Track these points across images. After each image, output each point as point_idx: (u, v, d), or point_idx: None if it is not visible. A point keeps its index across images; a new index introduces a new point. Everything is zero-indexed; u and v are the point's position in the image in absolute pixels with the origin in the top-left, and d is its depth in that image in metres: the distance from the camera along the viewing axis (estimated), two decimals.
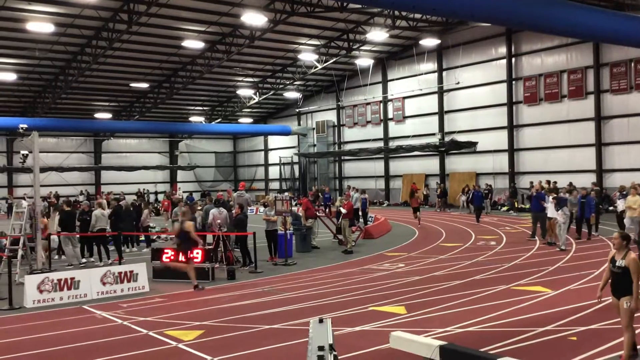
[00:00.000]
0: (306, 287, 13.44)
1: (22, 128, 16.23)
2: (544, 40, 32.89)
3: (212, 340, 9.21)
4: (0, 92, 39.74)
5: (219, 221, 16.56)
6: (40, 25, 28.27)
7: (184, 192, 44.55)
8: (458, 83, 37.56)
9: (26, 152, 16.23)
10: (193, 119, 51.62)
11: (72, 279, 12.80)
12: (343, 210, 19.93)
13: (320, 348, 4.61)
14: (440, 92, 39.14)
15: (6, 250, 15.02)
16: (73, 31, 30.83)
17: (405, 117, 42.04)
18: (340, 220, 20.53)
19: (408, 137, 40.61)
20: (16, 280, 13.16)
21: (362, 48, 37.96)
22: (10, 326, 10.68)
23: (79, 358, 8.50)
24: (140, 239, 21.72)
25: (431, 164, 40.25)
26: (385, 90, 43.11)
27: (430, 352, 5.08)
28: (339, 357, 5.15)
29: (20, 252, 15.22)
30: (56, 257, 18.56)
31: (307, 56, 38.19)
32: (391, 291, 12.55)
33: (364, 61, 40.31)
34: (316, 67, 39.35)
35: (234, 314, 10.94)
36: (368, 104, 44.52)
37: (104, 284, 13.12)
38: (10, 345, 9.38)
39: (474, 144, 36.65)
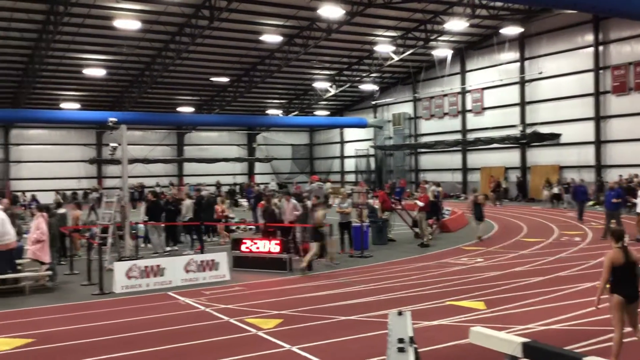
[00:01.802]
0: (382, 280, 13.44)
1: (111, 122, 16.99)
2: (634, 27, 31.13)
3: (290, 329, 9.39)
4: (90, 88, 41.86)
5: (296, 212, 16.83)
6: (127, 23, 29.56)
7: (260, 183, 45.49)
8: (541, 73, 36.26)
9: (115, 144, 17.00)
10: (270, 111, 52.48)
11: (157, 266, 13.38)
12: (420, 203, 19.74)
13: (400, 340, 4.63)
14: (522, 83, 37.89)
15: (97, 238, 15.85)
16: (158, 28, 32.02)
17: (484, 109, 41.01)
18: (417, 213, 20.35)
19: (487, 129, 39.61)
20: (106, 266, 13.86)
21: (440, 38, 37.29)
22: (102, 310, 11.29)
23: (166, 342, 8.88)
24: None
25: (511, 157, 39.09)
26: (463, 81, 42.21)
27: (512, 349, 4.98)
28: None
29: (109, 240, 16.05)
30: (142, 245, 19.41)
31: (384, 48, 37.92)
32: (469, 286, 12.34)
33: (441, 52, 39.59)
34: (392, 58, 39.00)
35: (311, 304, 11.10)
36: (445, 95, 43.74)
37: (187, 271, 13.62)
38: (102, 328, 9.93)
39: (557, 135, 35.31)
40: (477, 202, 20.23)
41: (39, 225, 13.17)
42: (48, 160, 46.84)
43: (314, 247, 14.85)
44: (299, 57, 37.26)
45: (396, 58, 38.70)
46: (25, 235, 15.31)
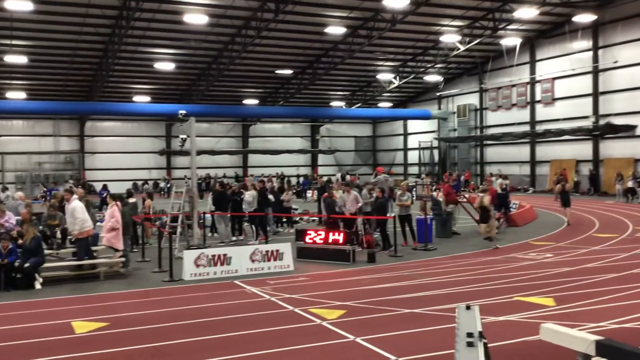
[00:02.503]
0: (447, 273, 13.28)
1: (181, 114, 17.49)
2: None
3: (354, 320, 9.43)
4: (160, 81, 43.14)
5: (349, 204, 16.89)
6: (196, 17, 30.27)
7: (323, 175, 45.69)
8: (616, 62, 34.77)
9: (184, 136, 17.48)
10: (334, 103, 52.58)
11: (224, 255, 13.69)
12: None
13: (469, 335, 4.57)
14: (595, 72, 36.42)
15: (167, 227, 16.37)
16: (225, 22, 32.63)
17: (554, 99, 39.70)
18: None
19: (557, 120, 38.33)
20: (175, 254, 14.29)
21: (508, 27, 36.28)
22: (172, 296, 11.68)
23: (233, 329, 9.10)
24: (283, 220, 22.65)
25: (583, 149, 37.69)
26: (532, 71, 40.97)
27: (585, 347, 4.82)
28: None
29: (178, 229, 16.55)
30: (209, 234, 19.90)
31: (450, 38, 37.25)
32: (538, 282, 12.02)
33: (510, 41, 38.55)
34: (458, 48, 38.30)
35: (374, 296, 11.10)
36: (514, 86, 42.58)
37: (252, 261, 13.88)
38: (173, 313, 10.26)
39: (633, 127, 33.80)
40: (564, 190, 21.89)
41: (113, 214, 13.72)
42: (120, 152, 48.69)
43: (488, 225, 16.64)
44: (362, 48, 37.12)
45: (462, 48, 37.97)
46: (99, 224, 15.98)
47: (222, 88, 45.68)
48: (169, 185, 44.96)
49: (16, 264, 12.35)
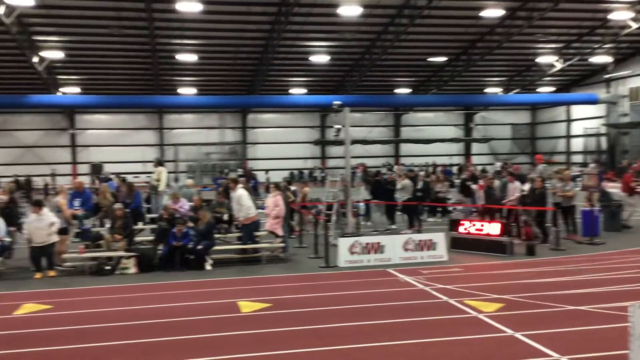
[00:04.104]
0: (616, 270, 12.34)
1: (336, 105, 17.96)
2: None
3: (512, 314, 9.13)
4: (315, 73, 44.46)
5: (517, 194, 16.22)
6: (350, 9, 30.74)
7: (478, 164, 44.31)
8: None
9: (339, 126, 17.93)
10: (489, 90, 50.70)
11: (378, 243, 13.90)
12: None
13: None
14: None
15: (322, 214, 16.92)
16: (378, 11, 32.76)
17: None
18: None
19: None
20: (331, 241, 14.75)
21: None
22: (328, 282, 12.10)
23: (387, 316, 9.23)
24: (437, 209, 22.37)
25: None
26: None
27: None
28: None
29: (333, 217, 17.04)
30: (362, 222, 20.24)
31: (621, 15, 34.18)
32: None
33: None
34: (630, 27, 35.03)
35: (534, 290, 10.63)
36: None
37: (405, 250, 13.93)
38: (329, 298, 10.64)
39: None
40: None
41: (277, 203, 14.54)
42: (278, 142, 51.04)
43: None
44: (521, 31, 35.35)
45: (635, 26, 34.68)
46: (260, 210, 16.92)
47: (374, 78, 45.97)
48: (322, 174, 46.41)
49: (189, 246, 13.53)
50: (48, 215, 13.17)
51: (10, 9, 28.59)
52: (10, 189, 16.05)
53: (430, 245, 14.07)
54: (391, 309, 9.72)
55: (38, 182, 40.14)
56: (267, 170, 44.94)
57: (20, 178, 36.79)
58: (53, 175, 42.47)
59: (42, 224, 12.90)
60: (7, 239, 13.34)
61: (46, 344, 8.25)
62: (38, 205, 13.24)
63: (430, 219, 21.51)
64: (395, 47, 37.71)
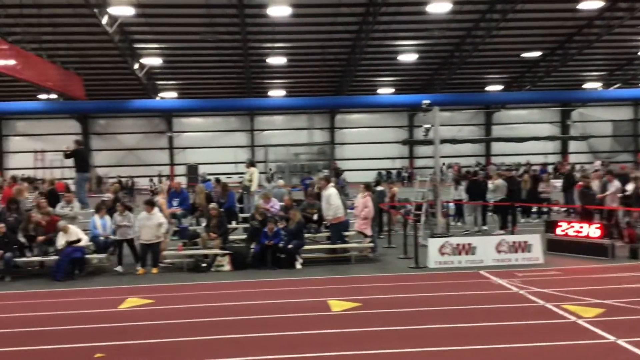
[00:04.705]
0: None
1: (425, 104, 17.77)
2: None
3: (615, 320, 8.68)
4: (403, 72, 44.09)
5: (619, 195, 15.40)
6: (439, 6, 30.26)
7: (576, 163, 42.35)
8: None
9: (428, 125, 17.71)
10: (587, 85, 48.29)
11: (469, 244, 13.62)
12: None
13: None
14: None
15: (411, 214, 16.78)
16: (468, 7, 32.03)
17: None
18: None
19: None
20: (420, 242, 14.60)
21: None
22: (417, 283, 12.00)
23: (481, 319, 9.01)
24: (532, 210, 21.62)
25: None
26: None
27: None
28: None
29: (422, 217, 16.85)
30: (452, 223, 19.88)
31: None
32: None
33: None
34: None
35: (638, 295, 10.06)
36: None
37: (498, 252, 13.56)
38: (420, 299, 10.53)
39: None
40: None
41: (366, 203, 14.60)
42: (366, 142, 51.04)
43: None
44: (623, 22, 33.42)
45: None
46: (349, 210, 17.01)
47: (464, 76, 44.94)
48: (409, 174, 46.01)
49: (280, 245, 13.83)
50: (158, 215, 13.92)
51: (112, 19, 30.45)
52: (115, 189, 17.02)
53: (525, 247, 13.62)
54: (484, 312, 9.51)
55: (139, 182, 42.35)
56: (342, 171, 45.00)
57: (122, 179, 38.94)
58: (160, 176, 44.72)
59: (151, 223, 13.67)
60: (112, 236, 14.16)
61: (149, 336, 8.71)
62: (150, 204, 14.01)
63: (522, 220, 20.79)
64: (486, 43, 36.72)
